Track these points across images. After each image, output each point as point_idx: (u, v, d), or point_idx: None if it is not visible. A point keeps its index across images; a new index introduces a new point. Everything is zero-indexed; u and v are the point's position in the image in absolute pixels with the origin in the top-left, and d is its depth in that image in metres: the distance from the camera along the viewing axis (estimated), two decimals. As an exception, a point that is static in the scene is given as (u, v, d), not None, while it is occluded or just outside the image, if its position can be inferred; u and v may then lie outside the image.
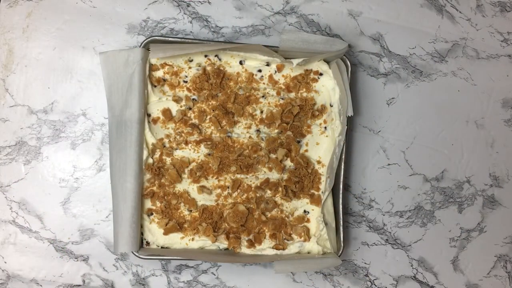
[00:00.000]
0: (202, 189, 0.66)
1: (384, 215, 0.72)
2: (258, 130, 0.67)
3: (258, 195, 0.67)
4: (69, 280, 0.67)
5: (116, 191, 0.62)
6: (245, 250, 0.66)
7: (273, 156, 0.67)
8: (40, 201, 0.67)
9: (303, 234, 0.67)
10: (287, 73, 0.68)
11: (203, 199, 0.66)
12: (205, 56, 0.67)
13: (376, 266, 0.71)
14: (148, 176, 0.65)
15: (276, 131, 0.67)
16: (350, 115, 0.65)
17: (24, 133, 0.68)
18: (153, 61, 0.66)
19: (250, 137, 0.67)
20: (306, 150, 0.68)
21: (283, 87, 0.68)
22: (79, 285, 0.67)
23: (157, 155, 0.66)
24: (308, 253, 0.67)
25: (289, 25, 0.71)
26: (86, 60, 0.69)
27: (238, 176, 0.67)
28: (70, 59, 0.68)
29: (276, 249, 0.66)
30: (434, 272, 0.72)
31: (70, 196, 0.68)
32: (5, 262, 0.67)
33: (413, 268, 0.72)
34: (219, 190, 0.67)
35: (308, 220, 0.68)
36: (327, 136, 0.68)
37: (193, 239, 0.66)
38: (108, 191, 0.64)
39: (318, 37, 0.65)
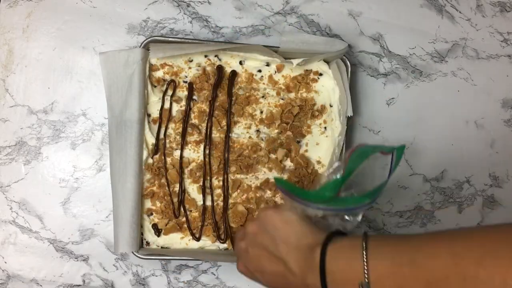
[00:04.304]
0: (202, 189, 0.66)
1: (384, 215, 0.72)
2: (258, 130, 0.67)
3: (258, 195, 0.67)
4: (69, 280, 0.67)
5: (116, 191, 0.62)
6: (245, 250, 0.66)
7: (273, 156, 0.67)
8: (40, 201, 0.67)
9: (303, 234, 0.67)
10: (287, 73, 0.68)
11: (203, 199, 0.66)
12: (205, 56, 0.67)
13: (376, 266, 0.71)
14: (148, 176, 0.65)
15: (276, 131, 0.67)
16: (350, 115, 0.65)
17: (24, 133, 0.68)
18: (153, 61, 0.66)
19: (250, 137, 0.67)
20: (306, 150, 0.68)
21: (283, 87, 0.68)
22: (79, 285, 0.67)
23: (157, 155, 0.66)
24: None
25: (289, 25, 0.71)
26: (86, 60, 0.69)
27: (238, 176, 0.67)
28: (70, 59, 0.68)
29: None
30: (434, 272, 0.72)
31: (70, 196, 0.68)
32: (5, 262, 0.67)
33: (413, 268, 0.72)
34: (219, 190, 0.67)
35: (308, 220, 0.68)
36: (327, 136, 0.68)
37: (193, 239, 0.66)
38: (108, 191, 0.64)
39: (318, 38, 0.65)
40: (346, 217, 0.50)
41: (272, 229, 0.49)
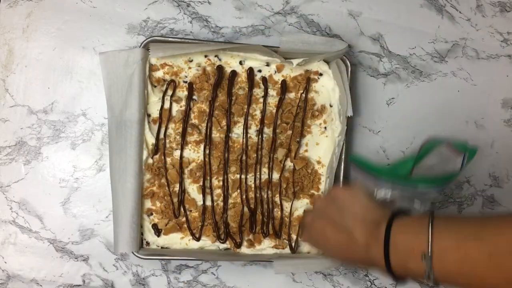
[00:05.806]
0: (202, 189, 0.66)
1: (384, 215, 0.72)
2: (258, 130, 0.67)
3: (258, 195, 0.67)
4: (69, 280, 0.67)
5: (116, 191, 0.62)
6: (245, 250, 0.66)
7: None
8: (40, 201, 0.67)
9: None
10: (287, 73, 0.68)
11: (203, 199, 0.66)
12: (205, 56, 0.67)
13: (376, 266, 0.71)
14: (148, 176, 0.65)
15: (276, 131, 0.67)
16: (349, 115, 0.65)
17: (24, 133, 0.68)
18: (153, 61, 0.66)
19: (250, 137, 0.67)
20: (306, 150, 0.68)
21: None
22: (79, 285, 0.67)
23: (157, 155, 0.66)
24: (308, 253, 0.67)
25: (289, 25, 0.71)
26: (86, 60, 0.69)
27: (238, 176, 0.67)
28: (70, 59, 0.68)
29: (276, 249, 0.66)
30: (433, 272, 0.72)
31: (70, 196, 0.68)
32: (5, 262, 0.67)
33: (413, 268, 0.72)
34: (219, 190, 0.67)
35: (308, 220, 0.68)
36: (327, 136, 0.68)
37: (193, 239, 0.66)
38: (108, 191, 0.64)
39: (318, 38, 0.65)
40: (415, 204, 0.53)
41: (341, 203, 0.54)
